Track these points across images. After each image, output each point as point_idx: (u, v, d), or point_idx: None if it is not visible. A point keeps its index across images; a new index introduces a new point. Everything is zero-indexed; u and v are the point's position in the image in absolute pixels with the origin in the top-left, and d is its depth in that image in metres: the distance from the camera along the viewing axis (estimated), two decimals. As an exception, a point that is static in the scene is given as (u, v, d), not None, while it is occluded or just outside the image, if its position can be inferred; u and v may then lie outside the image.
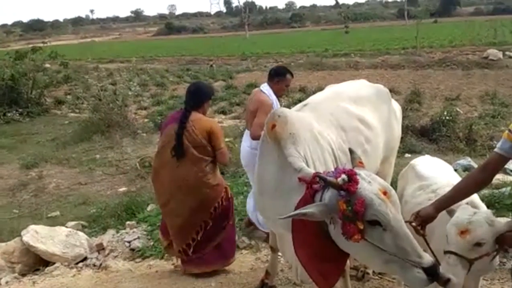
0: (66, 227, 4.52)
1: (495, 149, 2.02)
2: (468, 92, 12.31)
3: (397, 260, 1.86)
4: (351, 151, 2.22)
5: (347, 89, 3.21)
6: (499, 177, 4.65)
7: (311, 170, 2.19)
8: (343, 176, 1.91)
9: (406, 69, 17.90)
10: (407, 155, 6.30)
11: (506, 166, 3.71)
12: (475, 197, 2.29)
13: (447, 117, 7.57)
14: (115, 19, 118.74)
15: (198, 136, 3.11)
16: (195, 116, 3.15)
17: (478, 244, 1.91)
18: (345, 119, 2.86)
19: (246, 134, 4.03)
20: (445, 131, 7.34)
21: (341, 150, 2.69)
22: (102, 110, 9.71)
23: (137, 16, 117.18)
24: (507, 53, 18.45)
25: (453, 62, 17.86)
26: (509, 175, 5.05)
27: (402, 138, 3.79)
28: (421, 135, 7.45)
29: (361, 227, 1.84)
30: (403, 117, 3.80)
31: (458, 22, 42.36)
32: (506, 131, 1.97)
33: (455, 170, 3.62)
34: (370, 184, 1.91)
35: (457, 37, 26.93)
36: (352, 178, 1.90)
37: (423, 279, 1.83)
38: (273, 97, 3.90)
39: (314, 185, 2.06)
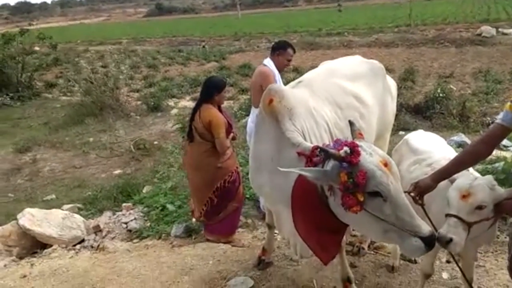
0: (62, 210, 4.52)
1: (497, 121, 2.00)
2: (462, 69, 12.28)
3: (395, 229, 1.88)
4: (351, 123, 2.19)
5: (342, 65, 3.17)
6: (492, 152, 4.68)
7: (310, 144, 2.18)
8: (345, 148, 1.91)
9: (400, 47, 17.77)
10: (401, 132, 6.31)
11: (500, 141, 3.71)
12: (471, 169, 2.30)
13: (441, 95, 7.59)
14: (104, 0, 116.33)
15: (200, 124, 3.54)
16: (204, 107, 3.57)
17: (480, 207, 1.95)
18: (340, 96, 2.84)
19: (252, 111, 4.04)
20: (439, 108, 7.38)
21: (337, 126, 2.68)
22: (94, 93, 9.61)
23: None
24: (500, 29, 18.36)
25: (446, 40, 17.75)
26: (503, 150, 5.09)
27: (396, 115, 3.77)
28: (415, 113, 7.49)
29: (361, 199, 1.85)
30: (397, 95, 3.78)
31: (452, -1, 42.03)
32: (509, 103, 1.96)
33: (449, 146, 3.63)
34: (371, 156, 1.91)
35: (451, 14, 26.75)
36: (354, 150, 1.89)
37: (421, 248, 1.86)
38: (275, 71, 3.91)
39: (313, 158, 2.05)
